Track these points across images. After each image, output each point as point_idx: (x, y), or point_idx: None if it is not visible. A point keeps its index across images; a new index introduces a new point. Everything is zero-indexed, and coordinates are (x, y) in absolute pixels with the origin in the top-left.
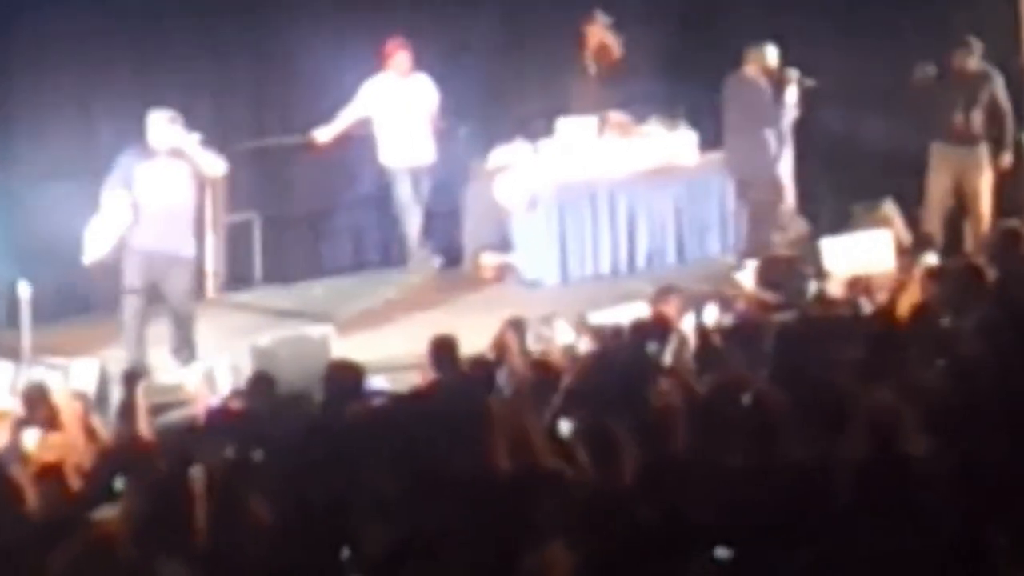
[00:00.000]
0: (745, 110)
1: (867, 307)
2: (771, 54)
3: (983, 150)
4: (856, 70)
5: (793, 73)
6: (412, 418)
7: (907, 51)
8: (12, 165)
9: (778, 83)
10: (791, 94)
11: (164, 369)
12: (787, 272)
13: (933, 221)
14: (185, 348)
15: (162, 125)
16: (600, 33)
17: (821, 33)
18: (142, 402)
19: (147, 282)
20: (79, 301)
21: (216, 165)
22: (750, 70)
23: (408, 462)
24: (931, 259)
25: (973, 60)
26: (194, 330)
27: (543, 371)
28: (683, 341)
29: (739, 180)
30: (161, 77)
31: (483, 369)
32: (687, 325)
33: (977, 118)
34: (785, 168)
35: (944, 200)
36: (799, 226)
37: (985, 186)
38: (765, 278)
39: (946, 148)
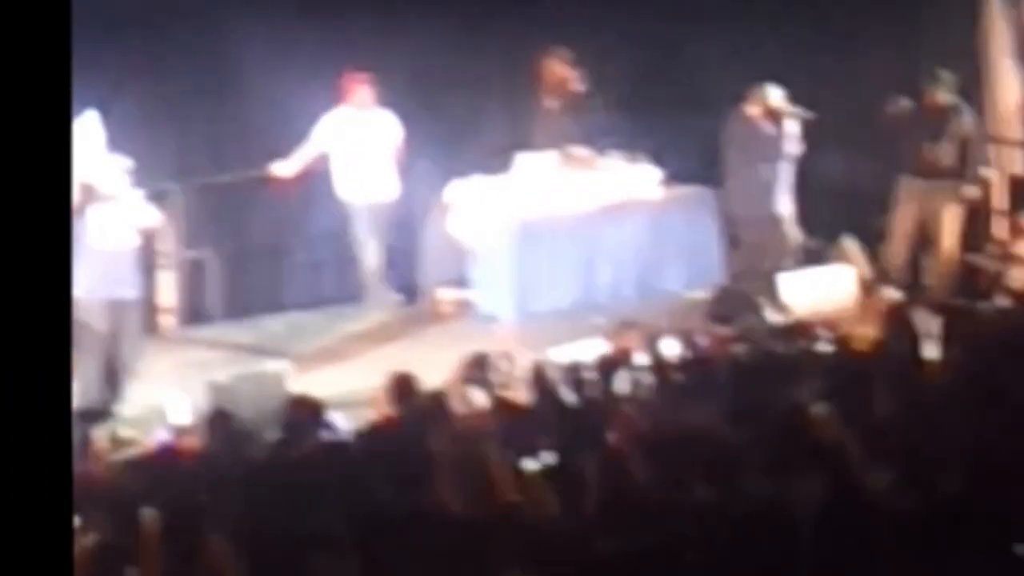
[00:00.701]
0: (745, 149)
1: (827, 341)
2: (773, 94)
3: (951, 184)
4: (816, 103)
5: (793, 108)
6: (367, 454)
7: (872, 83)
8: None
9: (779, 121)
10: (792, 129)
11: (122, 407)
12: (739, 305)
13: (899, 255)
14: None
15: (109, 171)
16: (558, 67)
17: (786, 67)
18: (98, 441)
19: (103, 325)
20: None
21: (151, 216)
22: (751, 109)
23: (363, 499)
24: (892, 293)
25: (943, 93)
26: (132, 374)
27: (503, 407)
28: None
29: (737, 217)
30: (117, 109)
31: (439, 405)
32: (645, 359)
33: (946, 151)
34: (785, 206)
35: (910, 234)
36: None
37: (952, 220)
38: (715, 312)
39: (913, 181)
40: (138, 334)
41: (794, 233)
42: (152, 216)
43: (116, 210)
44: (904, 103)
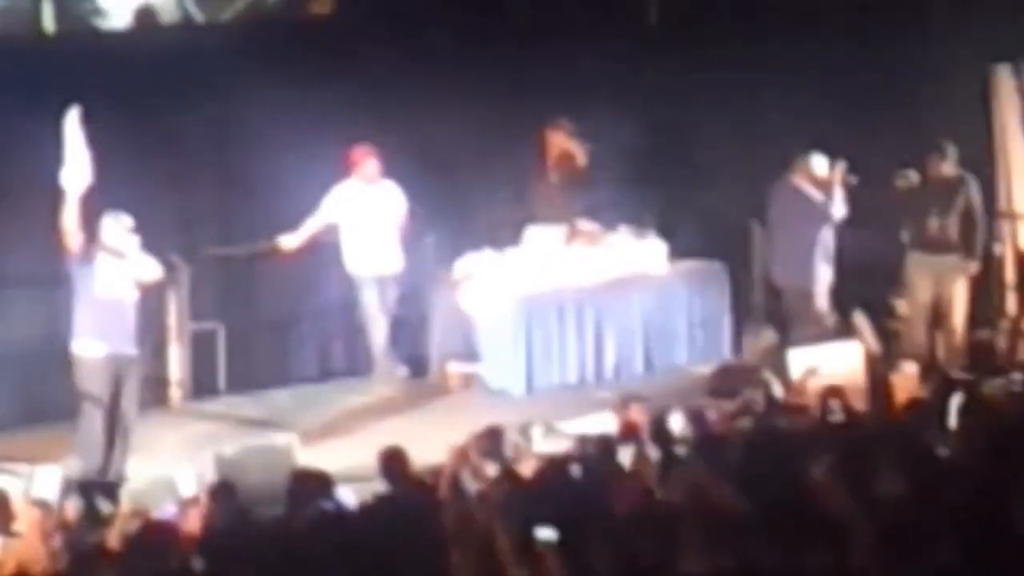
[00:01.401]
0: (787, 218)
1: (838, 415)
2: (818, 163)
3: (960, 258)
4: None
5: (838, 173)
6: (371, 528)
7: (878, 157)
8: None
9: (825, 189)
10: (837, 195)
11: (130, 478)
12: (743, 380)
13: (913, 330)
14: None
15: (113, 227)
16: (563, 140)
17: (793, 144)
18: (111, 511)
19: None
20: (43, 408)
21: (153, 270)
22: (796, 178)
23: (367, 572)
24: (910, 368)
25: (948, 166)
26: (132, 438)
27: (513, 480)
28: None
29: (778, 285)
30: (126, 181)
31: (447, 480)
32: (651, 433)
33: (952, 225)
34: (824, 273)
35: (924, 309)
36: (768, 335)
37: (961, 294)
38: (717, 387)
39: (923, 256)
40: (137, 395)
41: (825, 304)
42: (154, 269)
43: (118, 264)
44: (911, 176)
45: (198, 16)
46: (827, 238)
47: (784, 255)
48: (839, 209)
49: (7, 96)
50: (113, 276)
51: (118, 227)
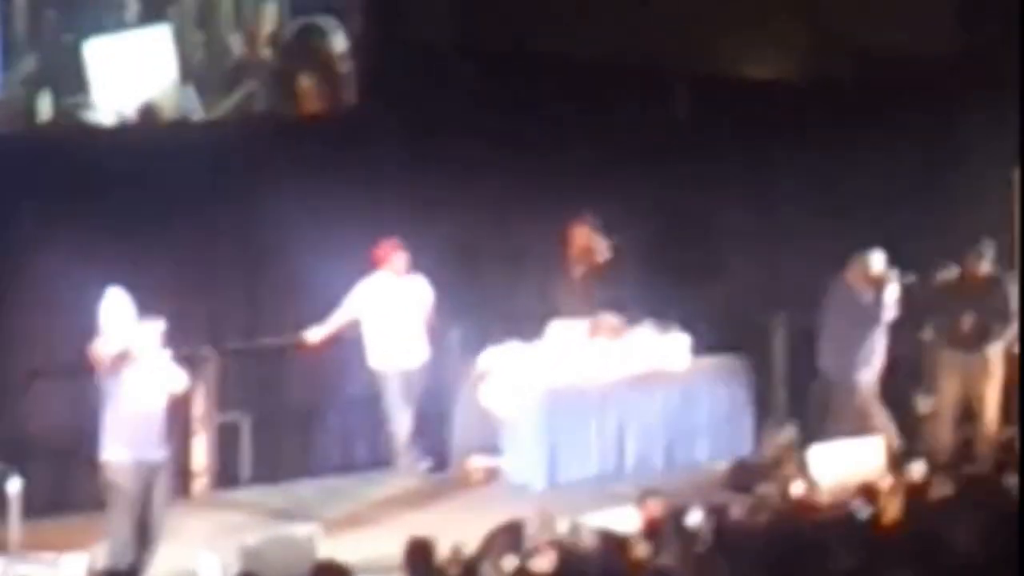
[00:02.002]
0: (841, 316)
1: (862, 512)
2: (875, 261)
3: (991, 355)
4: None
5: (893, 274)
6: None
7: (906, 254)
8: (7, 359)
9: (878, 288)
10: (891, 295)
11: (154, 567)
12: (761, 476)
13: (939, 427)
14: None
15: (145, 332)
16: (586, 235)
17: (814, 239)
18: None
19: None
20: (73, 496)
21: (182, 381)
22: (851, 276)
23: None
24: (918, 468)
25: (985, 263)
26: (161, 536)
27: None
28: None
29: (830, 381)
30: (154, 274)
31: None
32: (670, 529)
33: (985, 323)
34: (869, 371)
35: (952, 407)
36: (789, 432)
37: (993, 392)
38: (736, 482)
39: (954, 353)
40: (167, 495)
41: (870, 401)
42: (180, 380)
43: (145, 373)
44: (952, 271)
45: (199, 112)
46: (874, 337)
47: (832, 348)
48: (889, 310)
49: (34, 191)
50: (141, 386)
51: (146, 332)
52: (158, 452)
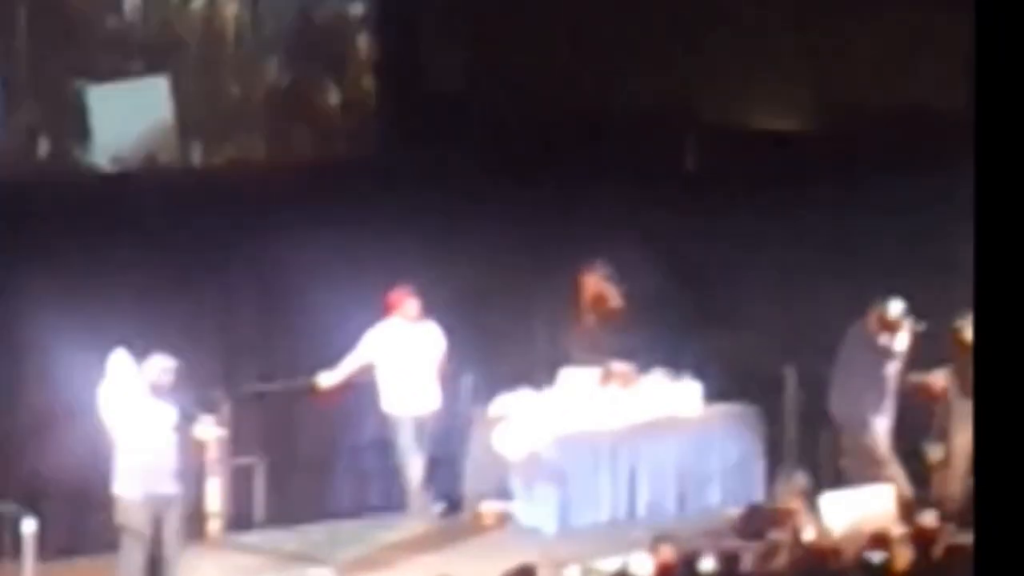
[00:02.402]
0: (852, 358)
1: (875, 560)
2: (893, 307)
3: None
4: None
5: (906, 320)
6: None
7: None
8: (21, 401)
9: (895, 335)
10: (901, 342)
11: None
12: (773, 522)
13: (951, 476)
14: None
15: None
16: (597, 283)
17: (826, 289)
18: None
19: (144, 522)
20: (86, 539)
21: (210, 431)
22: (869, 321)
23: None
24: (930, 516)
25: None
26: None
27: None
28: None
29: (837, 422)
30: (169, 318)
31: None
32: (683, 574)
33: None
34: (883, 421)
35: (965, 456)
36: (800, 479)
37: None
38: (748, 528)
39: (967, 402)
40: (179, 533)
41: (884, 448)
42: (211, 431)
43: (156, 410)
44: (967, 321)
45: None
46: (889, 384)
47: (844, 393)
48: (899, 358)
49: (50, 236)
50: (152, 422)
51: (161, 369)
52: (169, 487)
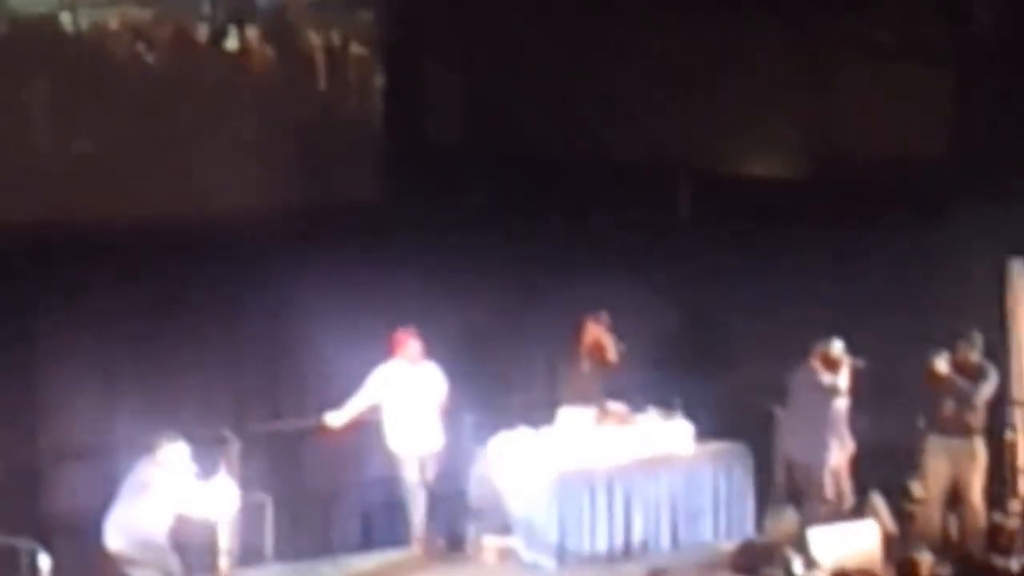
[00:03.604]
0: (801, 398)
1: None
2: (835, 347)
3: (977, 442)
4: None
5: (847, 358)
6: None
7: (895, 343)
8: (36, 442)
9: (836, 371)
10: (843, 379)
11: None
12: (765, 558)
13: (930, 511)
14: None
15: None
16: (598, 332)
17: (815, 330)
18: None
19: None
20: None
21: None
22: (813, 361)
23: None
24: (923, 555)
25: (975, 353)
26: None
27: None
28: None
29: (790, 462)
30: (179, 359)
31: None
32: None
33: (971, 410)
34: (835, 453)
35: (940, 490)
36: (789, 515)
37: (978, 478)
38: (739, 563)
39: (941, 439)
40: None
41: (837, 484)
42: (230, 504)
43: (171, 493)
44: (943, 362)
45: None
46: (838, 419)
47: (798, 434)
48: (844, 395)
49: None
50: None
51: (175, 453)
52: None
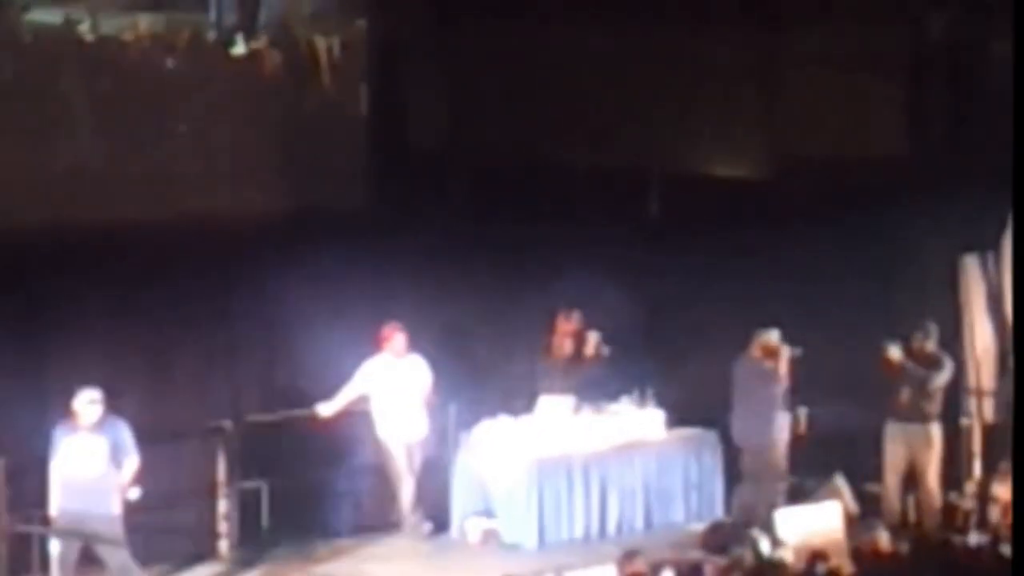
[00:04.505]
0: (746, 387)
1: (817, 572)
2: (773, 336)
3: (933, 428)
4: (809, 354)
5: (784, 348)
6: None
7: (860, 335)
8: (41, 427)
9: (775, 360)
10: (783, 367)
11: None
12: (732, 537)
13: (890, 494)
14: None
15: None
16: (573, 328)
17: (789, 318)
18: None
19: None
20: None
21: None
22: (754, 351)
23: None
24: (882, 534)
25: (931, 343)
26: None
27: None
28: None
29: (740, 447)
30: (178, 355)
31: None
32: None
33: (927, 397)
34: (778, 435)
35: (900, 475)
36: (754, 496)
37: (934, 462)
38: (710, 542)
39: (898, 425)
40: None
41: (782, 464)
42: (132, 462)
43: (87, 441)
44: (895, 349)
45: None
46: (778, 403)
47: (744, 419)
48: (783, 381)
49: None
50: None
51: (88, 402)
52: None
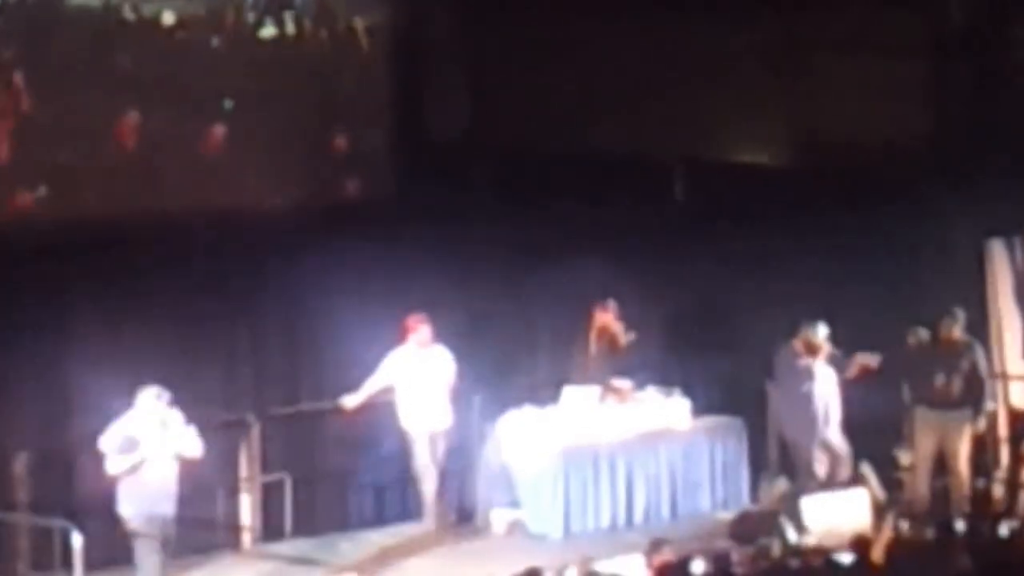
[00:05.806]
0: (786, 380)
1: (846, 559)
2: (819, 331)
3: (963, 414)
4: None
5: (826, 345)
6: None
7: (881, 322)
8: (66, 425)
9: (814, 355)
10: (821, 364)
11: None
12: (760, 526)
13: (920, 481)
14: None
15: (150, 401)
16: (606, 319)
17: (804, 313)
18: None
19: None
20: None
21: (194, 446)
22: (796, 344)
23: None
24: (909, 521)
25: (958, 329)
26: None
27: None
28: None
29: (782, 440)
30: (203, 348)
31: None
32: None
33: (957, 384)
34: (823, 431)
35: (928, 461)
36: (782, 485)
37: (964, 448)
38: (737, 532)
39: (928, 412)
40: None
41: (827, 459)
42: (194, 446)
43: (156, 437)
44: (923, 334)
45: None
46: (824, 400)
47: (787, 414)
48: (823, 374)
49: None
50: (150, 451)
51: (156, 402)
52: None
